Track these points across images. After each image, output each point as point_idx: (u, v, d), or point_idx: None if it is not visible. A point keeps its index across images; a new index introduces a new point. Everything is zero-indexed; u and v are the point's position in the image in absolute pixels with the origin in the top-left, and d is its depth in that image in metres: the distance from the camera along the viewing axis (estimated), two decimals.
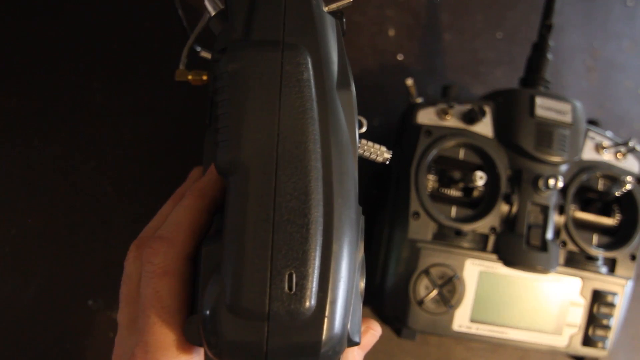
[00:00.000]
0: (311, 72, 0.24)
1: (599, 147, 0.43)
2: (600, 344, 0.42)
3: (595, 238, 0.44)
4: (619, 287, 0.42)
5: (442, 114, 0.42)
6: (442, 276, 0.40)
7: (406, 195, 0.40)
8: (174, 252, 0.26)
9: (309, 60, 0.24)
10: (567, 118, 0.41)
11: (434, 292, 0.40)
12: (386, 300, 0.41)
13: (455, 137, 0.41)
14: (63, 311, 0.44)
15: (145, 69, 0.47)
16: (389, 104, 0.50)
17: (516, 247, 0.40)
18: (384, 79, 0.51)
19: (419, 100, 0.43)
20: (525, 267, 0.40)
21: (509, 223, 0.41)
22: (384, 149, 0.29)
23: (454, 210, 0.41)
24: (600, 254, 0.42)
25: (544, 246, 0.40)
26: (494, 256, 0.40)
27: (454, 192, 0.42)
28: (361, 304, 0.25)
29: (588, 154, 0.43)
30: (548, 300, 0.41)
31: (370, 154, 0.29)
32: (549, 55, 0.44)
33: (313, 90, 0.24)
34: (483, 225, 0.41)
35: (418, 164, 0.40)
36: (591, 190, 0.43)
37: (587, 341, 0.42)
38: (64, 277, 0.44)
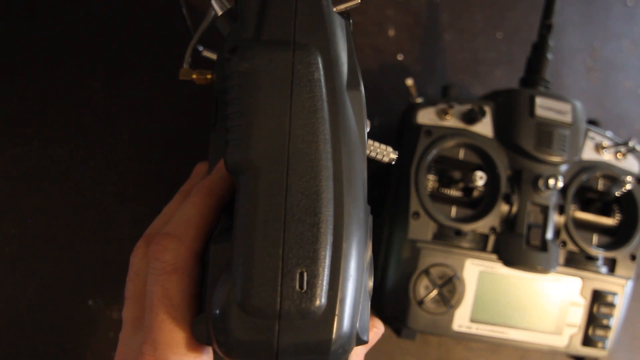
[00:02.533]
0: (322, 72, 0.24)
1: (599, 147, 0.43)
2: (600, 344, 0.42)
3: (595, 238, 0.44)
4: (619, 287, 0.42)
5: (442, 114, 0.42)
6: (442, 276, 0.40)
7: (406, 195, 0.40)
8: (184, 249, 0.26)
9: (320, 60, 0.24)
10: (567, 118, 0.41)
11: (434, 292, 0.40)
12: (386, 300, 0.41)
13: (455, 137, 0.41)
14: (63, 311, 0.44)
15: (146, 68, 0.47)
16: (389, 104, 0.50)
17: (516, 247, 0.40)
18: (384, 79, 0.51)
19: (419, 100, 0.43)
20: (525, 267, 0.40)
21: (509, 223, 0.41)
22: (390, 149, 0.29)
23: (454, 210, 0.41)
24: (600, 254, 0.42)
25: (544, 246, 0.40)
26: (494, 256, 0.40)
27: (454, 192, 0.42)
28: (369, 303, 0.25)
29: (588, 154, 0.43)
30: (548, 300, 0.41)
31: (377, 154, 0.29)
32: (549, 55, 0.44)
33: (324, 90, 0.24)
34: (483, 225, 0.41)
35: (418, 164, 0.40)
36: (591, 190, 0.43)
37: (587, 341, 0.42)
38: (64, 277, 0.44)
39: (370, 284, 0.26)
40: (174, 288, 0.25)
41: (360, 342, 0.24)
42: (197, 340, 0.24)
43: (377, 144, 0.29)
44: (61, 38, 0.47)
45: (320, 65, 0.24)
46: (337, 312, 0.22)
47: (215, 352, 0.25)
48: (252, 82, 0.24)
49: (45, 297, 0.44)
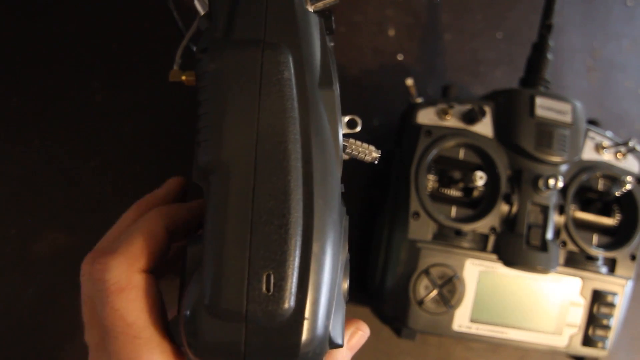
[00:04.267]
0: (292, 71, 0.24)
1: (599, 147, 0.43)
2: (600, 344, 0.42)
3: (595, 238, 0.43)
4: (619, 287, 0.42)
5: (442, 114, 0.42)
6: (442, 276, 0.40)
7: (406, 195, 0.40)
8: (126, 265, 0.25)
9: (290, 59, 0.24)
10: (567, 118, 0.41)
11: (434, 292, 0.40)
12: (386, 300, 0.41)
13: (455, 137, 0.41)
14: (63, 311, 0.44)
15: (145, 68, 0.47)
16: (389, 104, 0.50)
17: (516, 247, 0.40)
18: (384, 79, 0.51)
19: (419, 100, 0.43)
20: (525, 267, 0.40)
21: (509, 223, 0.41)
22: (372, 148, 0.29)
23: (454, 210, 0.41)
24: (600, 254, 0.42)
25: (544, 246, 0.40)
26: (494, 256, 0.40)
27: (454, 192, 0.42)
28: (344, 305, 0.25)
29: (588, 154, 0.43)
30: (548, 300, 0.41)
31: (359, 153, 0.29)
32: (549, 55, 0.44)
33: (294, 89, 0.24)
34: (483, 225, 0.41)
35: (418, 164, 0.40)
36: (591, 190, 0.43)
37: (587, 341, 0.42)
38: (64, 277, 0.44)
39: (346, 285, 0.25)
40: (125, 307, 0.24)
41: (334, 345, 0.24)
42: (174, 342, 0.24)
43: (359, 142, 0.29)
44: (61, 38, 0.47)
45: (291, 64, 0.24)
46: (306, 315, 0.22)
47: (187, 354, 0.25)
48: (220, 82, 0.24)
49: (45, 297, 0.44)
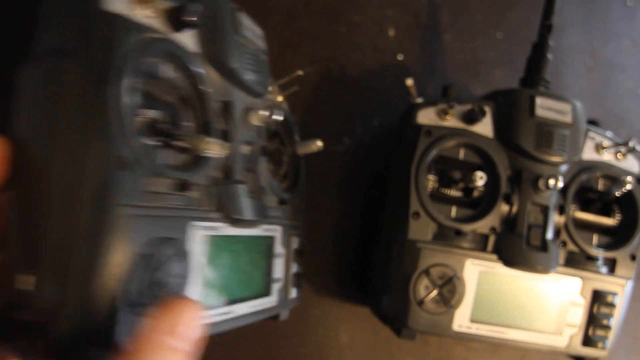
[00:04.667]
0: (72, 75, 0.25)
1: (599, 147, 0.43)
2: (600, 344, 0.42)
3: (595, 238, 0.43)
4: (619, 287, 0.42)
5: (442, 114, 0.42)
6: (442, 276, 0.40)
7: (406, 195, 0.40)
8: None
9: (75, 63, 0.25)
10: (567, 118, 0.41)
11: (434, 292, 0.40)
12: (386, 300, 0.41)
13: (455, 137, 0.41)
14: None
15: None
16: (389, 104, 0.50)
17: (516, 247, 0.40)
18: (384, 79, 0.51)
19: (419, 100, 0.43)
20: (525, 267, 0.40)
21: (509, 223, 0.41)
22: (210, 140, 0.29)
23: (454, 210, 0.41)
24: (600, 254, 0.42)
25: (544, 246, 0.40)
26: (494, 256, 0.40)
27: (454, 192, 0.42)
28: (138, 303, 0.25)
29: (588, 154, 0.43)
30: (548, 300, 0.41)
31: (191, 145, 0.29)
32: (549, 55, 0.44)
33: (68, 93, 0.25)
34: (483, 225, 0.41)
35: (418, 164, 0.40)
36: (591, 190, 0.43)
37: (587, 341, 0.42)
38: None
39: (133, 286, 0.25)
40: None
41: (105, 345, 0.24)
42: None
43: (192, 135, 0.29)
44: None
45: (74, 69, 0.25)
46: (64, 312, 0.23)
47: None
48: (17, 96, 0.26)
49: None
